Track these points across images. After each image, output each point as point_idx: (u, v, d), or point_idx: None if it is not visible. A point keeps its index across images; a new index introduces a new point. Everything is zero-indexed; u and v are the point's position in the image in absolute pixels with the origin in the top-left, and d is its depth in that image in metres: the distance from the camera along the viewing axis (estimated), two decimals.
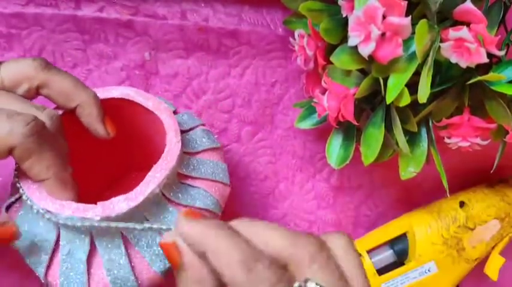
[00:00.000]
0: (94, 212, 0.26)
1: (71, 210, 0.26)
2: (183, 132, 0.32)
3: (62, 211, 0.26)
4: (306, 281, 0.22)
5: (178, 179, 0.30)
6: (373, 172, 0.44)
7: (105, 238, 0.27)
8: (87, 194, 0.30)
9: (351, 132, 0.37)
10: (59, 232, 0.27)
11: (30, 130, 0.25)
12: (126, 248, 0.28)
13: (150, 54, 0.40)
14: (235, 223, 0.24)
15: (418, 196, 0.45)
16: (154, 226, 0.25)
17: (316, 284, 0.22)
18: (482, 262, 0.41)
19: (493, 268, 0.41)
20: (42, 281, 0.28)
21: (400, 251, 0.41)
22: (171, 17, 0.39)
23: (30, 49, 0.38)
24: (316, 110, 0.36)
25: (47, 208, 0.26)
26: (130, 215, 0.27)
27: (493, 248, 0.41)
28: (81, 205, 0.26)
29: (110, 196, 0.27)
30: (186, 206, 0.29)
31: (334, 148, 0.37)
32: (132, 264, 0.28)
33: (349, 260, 0.24)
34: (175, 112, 0.34)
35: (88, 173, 0.33)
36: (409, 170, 0.35)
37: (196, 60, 0.41)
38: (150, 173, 0.28)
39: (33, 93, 0.29)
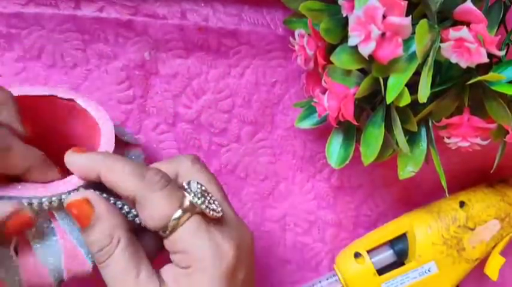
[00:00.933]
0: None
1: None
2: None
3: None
4: (188, 182, 0.27)
5: None
6: (373, 172, 0.44)
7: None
8: None
9: (351, 132, 0.37)
10: None
11: None
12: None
13: (149, 54, 0.40)
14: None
15: (418, 195, 0.45)
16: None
17: (198, 183, 0.27)
18: (483, 262, 0.41)
19: (493, 268, 0.41)
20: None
21: (400, 251, 0.41)
22: (171, 16, 0.39)
23: (30, 49, 0.38)
24: (316, 110, 0.36)
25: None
26: None
27: (493, 248, 0.41)
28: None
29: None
30: None
31: (334, 147, 0.37)
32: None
33: (210, 173, 0.31)
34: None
35: None
36: (407, 170, 0.35)
37: (196, 60, 0.40)
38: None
39: None
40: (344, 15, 0.32)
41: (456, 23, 0.30)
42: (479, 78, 0.29)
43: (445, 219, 0.40)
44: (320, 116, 0.36)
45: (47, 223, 0.27)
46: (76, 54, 0.39)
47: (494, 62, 0.32)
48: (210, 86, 0.41)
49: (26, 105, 0.30)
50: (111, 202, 0.27)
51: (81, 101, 0.33)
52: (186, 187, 0.27)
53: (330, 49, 0.33)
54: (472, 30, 0.28)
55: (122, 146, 0.35)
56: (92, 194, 0.26)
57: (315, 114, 0.39)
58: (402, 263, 0.41)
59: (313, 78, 0.39)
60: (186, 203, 0.26)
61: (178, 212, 0.26)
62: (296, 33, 0.37)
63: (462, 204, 0.41)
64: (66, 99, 0.33)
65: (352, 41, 0.30)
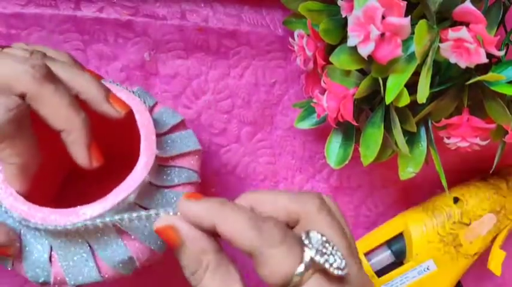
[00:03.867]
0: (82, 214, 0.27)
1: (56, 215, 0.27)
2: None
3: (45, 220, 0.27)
4: (307, 233, 0.24)
5: (158, 162, 0.30)
6: (372, 172, 0.44)
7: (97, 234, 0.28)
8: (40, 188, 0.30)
9: (350, 133, 0.37)
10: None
11: (11, 116, 0.25)
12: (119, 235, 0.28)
13: (149, 54, 0.40)
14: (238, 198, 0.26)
15: (417, 196, 0.45)
16: (145, 213, 0.26)
17: (317, 232, 0.24)
18: (483, 256, 0.41)
19: (495, 263, 0.40)
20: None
21: (398, 252, 0.41)
22: (170, 17, 0.39)
23: None
24: (316, 111, 0.36)
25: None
26: (125, 208, 0.28)
27: (491, 241, 0.41)
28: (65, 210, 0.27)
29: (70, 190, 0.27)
30: (172, 186, 0.31)
31: (334, 148, 0.37)
32: (128, 247, 0.28)
33: (339, 216, 0.27)
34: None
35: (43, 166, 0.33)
36: (408, 171, 0.35)
37: (196, 61, 0.41)
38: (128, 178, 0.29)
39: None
40: (343, 16, 0.32)
41: (455, 23, 0.30)
42: (479, 78, 0.29)
43: (439, 216, 0.40)
44: (319, 117, 0.37)
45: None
46: (76, 54, 0.39)
47: (493, 62, 0.32)
48: (210, 86, 0.41)
49: None
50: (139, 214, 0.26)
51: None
52: (304, 238, 0.24)
53: (329, 50, 0.33)
54: (471, 31, 0.28)
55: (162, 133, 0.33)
56: (176, 220, 0.25)
57: (314, 114, 0.39)
58: (401, 263, 0.41)
59: (313, 79, 0.39)
60: (307, 259, 0.23)
61: (301, 268, 0.23)
62: (295, 33, 0.37)
63: (456, 200, 0.41)
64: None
65: (351, 42, 0.30)
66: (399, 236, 0.42)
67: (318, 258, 0.23)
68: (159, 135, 0.31)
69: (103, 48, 0.39)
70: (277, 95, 0.42)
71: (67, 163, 0.31)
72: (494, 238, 0.41)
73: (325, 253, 0.23)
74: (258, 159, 0.43)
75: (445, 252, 0.40)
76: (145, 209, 0.29)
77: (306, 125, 0.40)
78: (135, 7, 0.39)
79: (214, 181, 0.42)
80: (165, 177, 0.31)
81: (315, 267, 0.23)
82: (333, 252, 0.23)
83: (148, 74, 0.40)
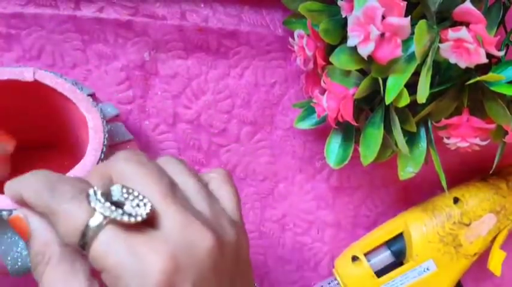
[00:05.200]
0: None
1: None
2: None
3: None
4: (108, 186, 0.23)
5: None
6: (372, 172, 0.44)
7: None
8: None
9: (350, 133, 0.37)
10: None
11: None
12: None
13: (149, 54, 0.40)
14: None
15: (417, 196, 0.45)
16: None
17: (119, 185, 0.23)
18: (483, 256, 0.41)
19: (495, 263, 0.40)
20: None
21: (397, 252, 0.41)
22: (170, 17, 0.39)
23: (30, 49, 0.38)
24: (316, 111, 0.36)
25: None
26: None
27: (491, 242, 0.41)
28: None
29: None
30: None
31: (333, 148, 0.37)
32: None
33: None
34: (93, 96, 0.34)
35: None
36: (407, 171, 0.35)
37: (196, 61, 0.41)
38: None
39: None
40: (343, 16, 0.32)
41: (455, 24, 0.30)
42: (479, 78, 0.29)
43: (439, 216, 0.40)
44: (319, 117, 0.37)
45: None
46: (76, 54, 0.39)
47: (493, 63, 0.32)
48: (210, 86, 0.41)
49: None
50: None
51: (67, 92, 0.32)
52: (94, 193, 0.23)
53: (329, 50, 0.33)
54: (471, 31, 0.28)
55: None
56: (25, 211, 0.25)
57: (314, 114, 0.39)
58: (401, 263, 0.41)
59: (313, 79, 0.39)
60: (97, 212, 0.22)
61: (93, 221, 0.22)
62: (295, 33, 0.37)
63: (456, 200, 0.41)
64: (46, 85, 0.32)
65: (351, 42, 0.30)
66: (399, 236, 0.42)
67: (103, 210, 0.22)
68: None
69: (103, 48, 0.39)
70: (277, 95, 0.42)
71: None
72: (494, 238, 0.41)
73: (122, 204, 0.22)
74: (258, 159, 0.43)
75: (445, 252, 0.40)
76: None
77: (305, 125, 0.40)
78: (135, 7, 0.39)
79: None
80: None
81: (109, 219, 0.22)
82: (135, 200, 0.23)
83: (148, 74, 0.40)
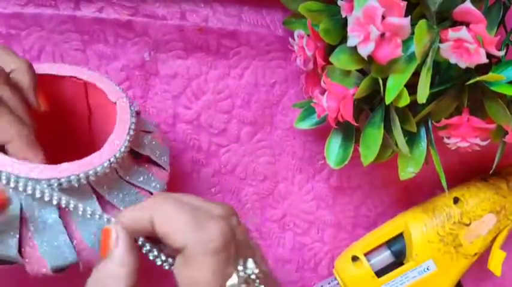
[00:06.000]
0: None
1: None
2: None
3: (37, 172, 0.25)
4: (245, 261, 0.24)
5: (131, 158, 0.31)
6: (372, 172, 0.44)
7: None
8: None
9: (350, 133, 0.37)
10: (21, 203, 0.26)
11: None
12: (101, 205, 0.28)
13: (149, 54, 0.40)
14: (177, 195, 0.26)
15: (417, 196, 0.45)
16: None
17: (254, 263, 0.24)
18: (483, 256, 0.41)
19: (495, 263, 0.40)
20: (16, 260, 0.26)
21: (397, 252, 0.41)
22: (170, 17, 0.39)
23: (30, 49, 0.38)
24: (316, 111, 0.36)
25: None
26: (85, 189, 0.27)
27: (491, 242, 0.41)
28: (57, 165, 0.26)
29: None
30: (137, 186, 0.30)
31: (333, 148, 0.37)
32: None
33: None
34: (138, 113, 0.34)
35: None
36: (408, 171, 0.35)
37: (196, 61, 0.41)
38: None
39: None
40: (343, 16, 0.32)
41: (455, 24, 0.30)
42: (479, 78, 0.29)
43: (439, 217, 0.40)
44: (319, 117, 0.37)
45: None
46: (76, 54, 0.39)
47: (493, 63, 0.32)
48: (210, 86, 0.41)
49: (44, 83, 0.31)
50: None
51: (100, 83, 0.33)
52: (240, 265, 0.24)
53: (329, 50, 0.33)
54: (472, 31, 0.28)
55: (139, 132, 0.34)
56: (116, 227, 0.24)
57: (314, 114, 0.39)
58: (401, 263, 0.41)
59: (313, 79, 0.39)
60: (229, 283, 0.23)
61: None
62: (295, 34, 0.37)
63: (456, 200, 0.41)
64: (83, 79, 0.33)
65: (351, 42, 0.30)
66: (399, 236, 0.42)
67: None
68: (137, 130, 0.31)
69: (103, 48, 0.39)
70: (277, 95, 0.42)
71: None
72: (494, 238, 0.41)
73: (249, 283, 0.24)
74: (258, 159, 0.43)
75: (445, 252, 0.40)
76: (100, 196, 0.28)
77: (306, 125, 0.40)
78: (135, 7, 0.39)
79: (214, 181, 0.43)
80: (133, 174, 0.30)
81: None
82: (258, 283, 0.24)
83: (148, 74, 0.40)
